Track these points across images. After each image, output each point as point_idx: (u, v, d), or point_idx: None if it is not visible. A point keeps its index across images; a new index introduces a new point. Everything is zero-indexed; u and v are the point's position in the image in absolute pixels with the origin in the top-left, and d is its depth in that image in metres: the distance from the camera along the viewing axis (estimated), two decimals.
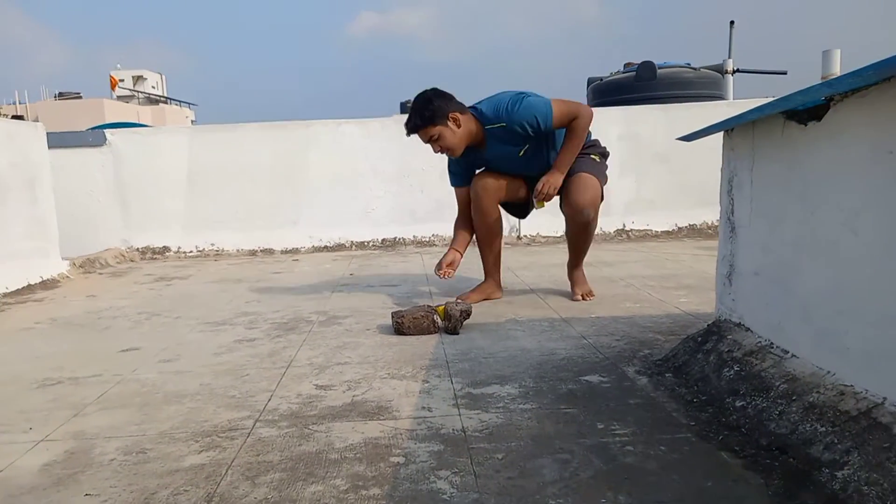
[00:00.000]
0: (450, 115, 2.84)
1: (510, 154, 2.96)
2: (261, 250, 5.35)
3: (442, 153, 2.97)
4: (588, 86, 7.27)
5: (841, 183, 1.43)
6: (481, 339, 2.42)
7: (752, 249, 1.83)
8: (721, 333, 1.93)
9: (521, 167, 3.03)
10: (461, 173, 3.15)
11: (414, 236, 5.38)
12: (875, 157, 1.32)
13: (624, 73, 6.80)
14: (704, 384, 1.78)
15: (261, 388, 1.96)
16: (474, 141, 2.94)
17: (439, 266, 3.04)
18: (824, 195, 1.49)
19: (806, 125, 1.56)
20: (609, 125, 5.35)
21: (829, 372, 1.47)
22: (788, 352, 1.64)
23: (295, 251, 5.32)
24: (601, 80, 7.24)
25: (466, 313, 2.57)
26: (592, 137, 3.09)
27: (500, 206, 3.13)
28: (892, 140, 1.28)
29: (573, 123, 2.84)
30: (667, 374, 1.93)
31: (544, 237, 5.35)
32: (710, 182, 4.95)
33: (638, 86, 6.27)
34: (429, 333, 2.52)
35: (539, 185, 2.89)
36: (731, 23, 7.32)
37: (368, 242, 5.37)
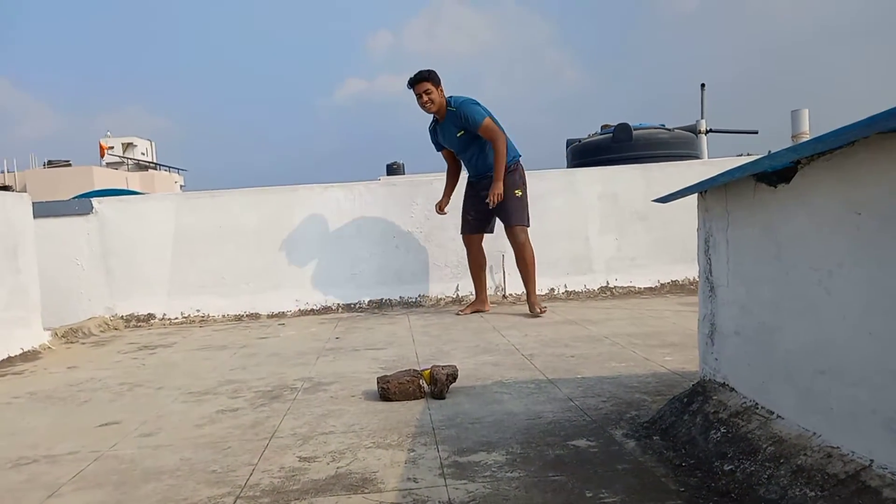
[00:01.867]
0: (440, 84, 4.43)
1: (452, 133, 4.52)
2: (247, 315, 5.31)
3: (425, 106, 4.42)
4: (567, 147, 7.43)
5: (813, 243, 1.46)
6: (468, 404, 2.40)
7: (731, 309, 1.85)
8: (706, 394, 1.93)
9: (458, 147, 4.60)
10: (436, 141, 4.72)
11: (400, 297, 5.38)
12: (844, 218, 1.36)
13: (601, 134, 6.97)
14: (692, 447, 1.77)
15: (242, 462, 1.92)
16: (440, 111, 4.49)
17: (439, 208, 4.82)
18: (798, 256, 1.52)
19: (776, 187, 1.60)
20: (589, 185, 5.45)
21: (814, 433, 1.47)
22: (773, 412, 1.64)
23: (281, 315, 5.29)
24: (579, 141, 7.41)
25: (452, 377, 2.55)
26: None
27: (481, 242, 4.83)
28: (859, 201, 1.32)
29: (495, 145, 4.34)
30: (654, 437, 1.92)
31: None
32: (689, 238, 5.13)
33: (615, 147, 6.42)
34: (415, 399, 2.49)
35: (489, 199, 4.36)
36: (702, 85, 7.57)
37: (355, 304, 5.35)
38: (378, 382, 2.56)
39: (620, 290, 5.39)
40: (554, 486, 1.62)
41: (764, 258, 1.66)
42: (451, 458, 1.86)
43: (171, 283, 5.30)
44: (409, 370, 2.62)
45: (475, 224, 4.74)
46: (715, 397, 1.88)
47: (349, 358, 3.42)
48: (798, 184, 1.51)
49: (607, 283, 5.43)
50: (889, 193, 1.24)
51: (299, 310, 5.34)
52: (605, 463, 1.76)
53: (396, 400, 2.48)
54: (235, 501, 1.63)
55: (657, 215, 5.34)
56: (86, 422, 2.47)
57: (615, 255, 5.44)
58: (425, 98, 4.39)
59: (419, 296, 5.39)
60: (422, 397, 2.51)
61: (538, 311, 4.45)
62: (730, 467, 1.58)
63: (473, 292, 4.94)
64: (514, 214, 4.49)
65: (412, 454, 1.90)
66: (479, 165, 4.58)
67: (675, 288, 5.42)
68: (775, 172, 1.58)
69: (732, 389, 1.85)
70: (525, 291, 4.65)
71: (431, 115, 4.59)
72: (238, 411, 2.49)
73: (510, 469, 1.75)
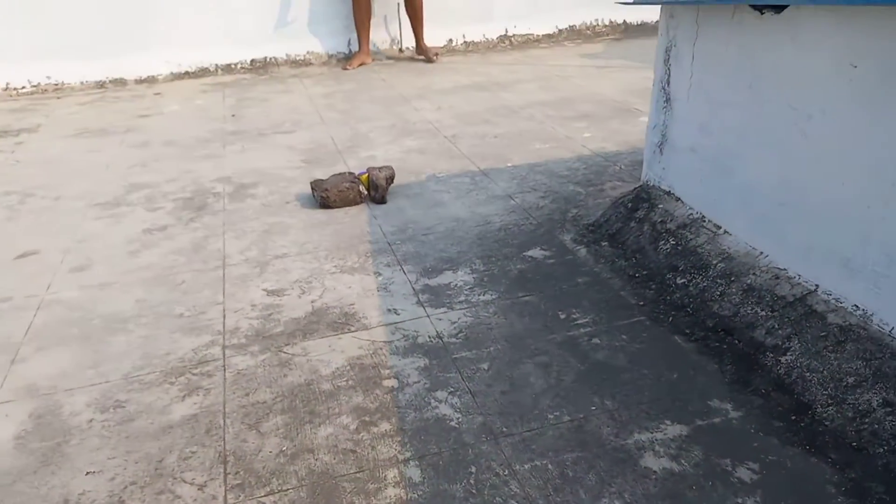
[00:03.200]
0: None
1: None
2: (110, 81, 4.71)
3: None
4: None
5: (796, 83, 1.49)
6: (412, 210, 2.41)
7: (688, 126, 1.90)
8: (651, 201, 2.06)
9: None
10: None
11: (287, 55, 4.94)
12: (839, 65, 1.37)
13: None
14: (642, 256, 1.93)
15: (207, 301, 1.88)
16: None
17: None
18: (777, 91, 1.55)
19: (762, 13, 1.55)
20: None
21: (762, 253, 1.65)
22: (721, 227, 1.80)
23: (151, 80, 4.74)
24: None
25: (390, 179, 2.52)
26: None
27: None
28: (857, 50, 1.32)
29: None
30: (603, 244, 2.07)
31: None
32: None
33: None
34: (355, 204, 2.47)
35: None
36: None
37: (236, 65, 4.87)
38: (314, 189, 2.48)
39: (519, 39, 5.26)
40: (528, 310, 1.75)
41: (735, 83, 1.68)
42: (420, 280, 1.92)
43: (13, 45, 4.51)
44: (345, 174, 2.54)
45: None
46: (661, 206, 2.01)
47: (259, 146, 3.23)
48: (790, 17, 1.48)
49: (506, 31, 5.25)
50: (892, 49, 1.25)
51: (171, 73, 4.80)
52: (566, 277, 1.90)
53: (336, 207, 2.44)
54: (225, 352, 1.64)
55: None
56: None
57: (517, 2, 5.18)
58: None
59: (307, 52, 4.97)
60: (361, 202, 2.48)
61: (432, 56, 4.72)
62: (682, 280, 1.77)
63: (357, 45, 4.82)
64: None
65: (380, 279, 1.94)
66: None
67: (573, 34, 5.35)
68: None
69: (678, 199, 1.98)
70: (415, 38, 4.78)
71: None
72: (168, 230, 2.36)
73: (481, 291, 1.85)
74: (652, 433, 1.31)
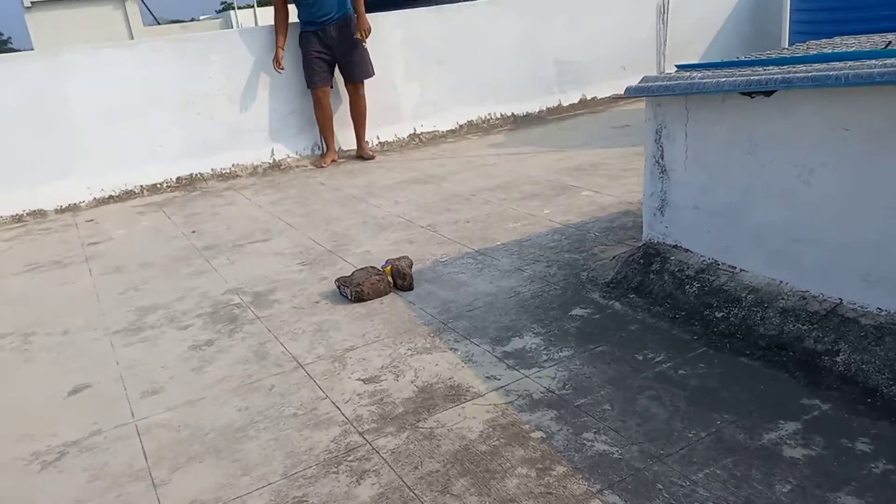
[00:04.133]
0: None
1: None
2: (28, 213, 4.51)
3: None
4: None
5: (795, 147, 1.94)
6: (441, 292, 2.63)
7: (689, 189, 2.32)
8: (662, 255, 2.44)
9: None
10: None
11: (213, 169, 5.01)
12: (831, 131, 1.83)
13: None
14: (674, 301, 2.29)
15: (311, 398, 1.97)
16: None
17: (276, 62, 4.78)
18: (776, 154, 2.00)
19: (752, 97, 2.02)
20: (392, 29, 5.41)
21: (783, 282, 2.06)
22: (736, 267, 2.21)
23: (74, 208, 4.59)
24: None
25: (411, 266, 2.73)
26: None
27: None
28: (846, 119, 1.79)
29: None
30: (630, 296, 2.40)
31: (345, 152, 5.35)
32: (482, 80, 5.69)
33: None
34: (385, 295, 2.64)
35: (360, 36, 4.71)
36: None
37: (162, 184, 4.85)
38: (344, 286, 2.62)
39: (427, 136, 5.69)
40: (607, 358, 2.02)
41: (733, 151, 2.12)
42: (497, 349, 2.14)
43: None
44: (368, 268, 2.71)
45: (326, 76, 4.85)
46: (673, 258, 2.40)
47: (243, 257, 3.29)
48: (781, 97, 1.94)
49: (414, 129, 5.67)
50: (880, 117, 1.72)
51: (94, 198, 4.68)
52: (619, 327, 2.20)
53: (370, 299, 2.60)
54: (364, 437, 1.75)
55: (454, 59, 5.61)
56: (46, 391, 2.17)
57: (420, 101, 5.64)
58: None
59: (233, 165, 5.07)
60: (390, 292, 2.66)
61: (371, 155, 5.10)
62: (720, 314, 2.13)
63: (323, 146, 5.16)
64: (367, 66, 4.87)
65: (459, 353, 2.13)
66: (326, 3, 4.62)
67: (472, 128, 5.87)
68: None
69: (688, 250, 2.38)
70: (357, 139, 5.13)
71: None
72: (215, 343, 2.39)
73: (556, 349, 2.10)
74: (777, 432, 1.61)
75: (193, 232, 3.80)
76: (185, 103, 4.86)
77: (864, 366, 1.76)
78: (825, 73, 1.75)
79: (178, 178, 4.92)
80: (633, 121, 5.42)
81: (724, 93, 2.07)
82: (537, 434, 1.69)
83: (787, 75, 1.86)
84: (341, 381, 2.04)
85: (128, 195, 4.76)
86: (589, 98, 6.38)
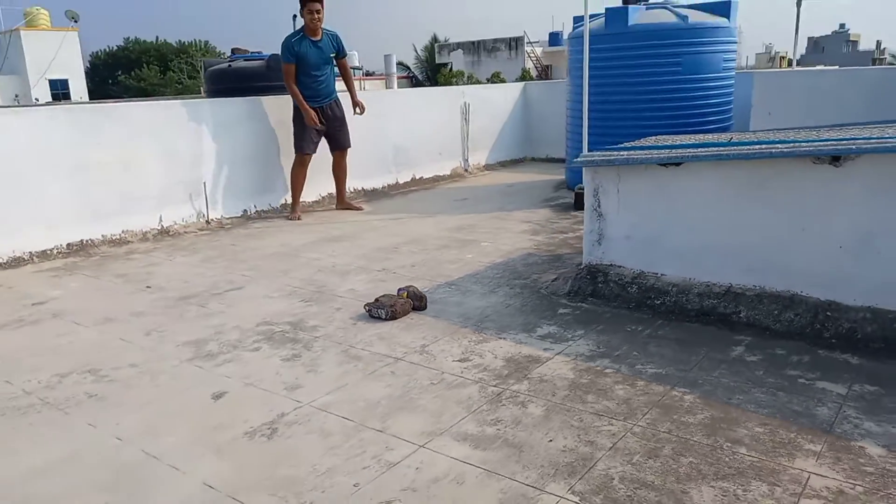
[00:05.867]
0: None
1: (326, 51, 5.59)
2: None
3: (316, 22, 5.43)
4: (204, 70, 7.22)
5: (698, 195, 3.22)
6: (450, 308, 3.40)
7: (622, 227, 3.48)
8: (603, 271, 3.55)
9: (322, 65, 5.60)
10: (296, 52, 5.47)
11: (103, 235, 5.01)
12: (718, 184, 3.14)
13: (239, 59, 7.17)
14: (622, 299, 3.39)
15: (432, 375, 2.63)
16: (319, 31, 5.52)
17: (314, 120, 5.60)
18: (685, 200, 3.26)
19: (667, 167, 3.28)
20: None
21: (692, 278, 3.30)
22: (658, 273, 3.40)
23: None
24: (229, 65, 7.43)
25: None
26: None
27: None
28: (730, 176, 3.11)
29: (348, 71, 6.06)
30: (590, 299, 3.46)
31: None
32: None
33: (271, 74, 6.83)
34: (407, 314, 3.33)
35: (358, 110, 5.95)
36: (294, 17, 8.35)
37: (52, 250, 4.73)
38: (376, 308, 3.27)
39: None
40: (608, 332, 3.02)
41: (655, 201, 3.35)
42: (531, 335, 3.01)
43: None
44: (389, 294, 3.39)
45: (316, 145, 5.78)
46: (612, 272, 3.52)
47: (237, 301, 3.65)
48: (687, 166, 3.23)
49: (285, 200, 6.23)
50: (746, 174, 3.06)
51: None
52: (598, 317, 3.23)
53: (400, 317, 3.28)
54: (510, 388, 2.49)
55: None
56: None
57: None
58: (318, 16, 5.43)
59: (123, 231, 5.14)
60: (410, 311, 3.36)
61: (357, 205, 6.24)
62: (659, 301, 3.29)
63: (290, 201, 5.98)
64: (349, 136, 5.97)
65: (507, 340, 2.96)
66: (328, 87, 5.70)
67: (332, 199, 6.60)
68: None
69: (621, 266, 3.52)
70: (341, 195, 6.20)
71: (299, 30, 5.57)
72: (302, 355, 2.87)
73: (571, 331, 3.04)
74: (734, 352, 2.75)
75: (148, 287, 3.98)
76: (77, 169, 4.89)
77: (756, 316, 3.02)
78: (721, 152, 3.06)
79: (68, 245, 4.86)
80: (467, 195, 6.70)
81: (648, 163, 3.30)
82: (610, 370, 2.61)
83: (696, 153, 3.15)
84: (442, 363, 2.73)
85: (17, 262, 4.59)
86: (418, 177, 7.56)
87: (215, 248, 4.88)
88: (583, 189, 5.56)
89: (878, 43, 48.67)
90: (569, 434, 2.17)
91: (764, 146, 3.05)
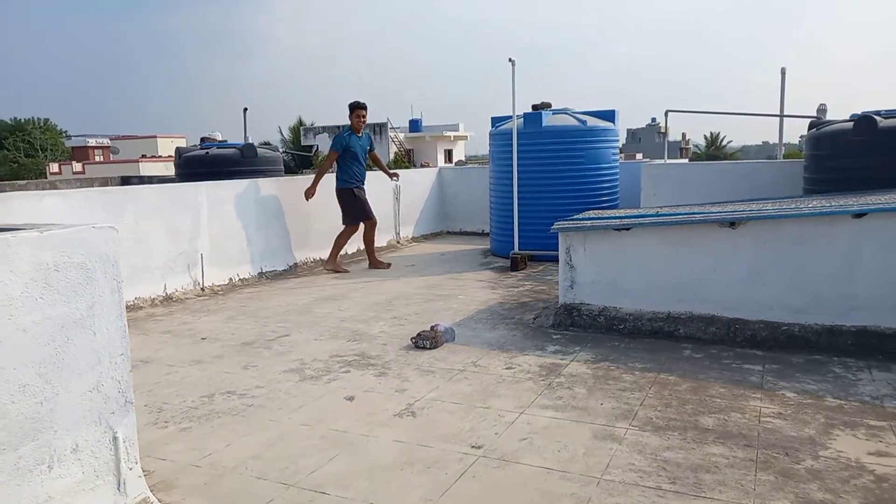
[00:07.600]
0: None
1: (365, 145, 7.27)
2: None
3: (362, 123, 7.20)
4: (178, 156, 7.80)
5: (639, 250, 4.60)
6: (473, 339, 4.47)
7: (588, 275, 4.78)
8: (576, 308, 4.80)
9: (363, 153, 7.24)
10: (346, 145, 7.10)
11: None
12: (659, 243, 4.55)
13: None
14: (595, 327, 4.64)
15: (515, 368, 3.69)
16: (360, 131, 7.25)
17: (309, 193, 7.09)
18: (635, 254, 4.63)
19: (620, 231, 4.65)
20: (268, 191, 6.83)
21: (642, 309, 4.63)
22: (618, 307, 4.71)
23: None
24: (207, 153, 8.22)
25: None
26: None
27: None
28: (668, 238, 4.53)
29: (380, 158, 7.91)
30: (571, 328, 4.67)
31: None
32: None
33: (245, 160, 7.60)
34: (442, 344, 4.36)
35: (396, 177, 8.24)
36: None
37: None
38: (423, 339, 4.27)
39: (269, 275, 7.07)
40: (598, 347, 4.24)
41: (614, 255, 4.69)
42: (545, 352, 4.16)
43: None
44: (425, 331, 4.40)
45: (365, 215, 7.34)
46: (583, 308, 4.78)
47: (295, 345, 4.48)
48: (634, 231, 4.61)
49: (261, 269, 7.00)
50: (675, 235, 4.49)
51: None
52: (583, 338, 4.44)
53: (440, 346, 4.30)
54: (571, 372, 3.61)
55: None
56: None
57: (265, 248, 7.06)
58: (363, 120, 7.22)
59: (136, 298, 5.72)
60: (444, 343, 4.39)
61: (385, 263, 7.52)
62: (622, 326, 4.57)
63: (326, 257, 7.41)
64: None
65: (533, 354, 4.08)
66: (364, 171, 7.33)
67: (275, 274, 7.45)
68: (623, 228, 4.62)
69: (589, 304, 4.80)
70: (373, 256, 7.53)
71: (349, 128, 7.22)
72: (392, 375, 3.81)
73: (572, 346, 4.23)
74: (683, 353, 4.06)
75: (204, 339, 4.69)
76: None
77: (691, 331, 4.38)
78: (658, 220, 4.47)
79: None
80: (412, 262, 7.81)
81: (607, 229, 4.66)
82: (613, 367, 3.81)
83: (641, 221, 4.55)
84: (496, 370, 3.79)
85: None
86: (362, 248, 8.57)
87: (229, 309, 5.60)
88: (518, 254, 7.08)
89: (684, 135, 56.60)
90: (611, 400, 3.32)
91: (686, 216, 4.50)
